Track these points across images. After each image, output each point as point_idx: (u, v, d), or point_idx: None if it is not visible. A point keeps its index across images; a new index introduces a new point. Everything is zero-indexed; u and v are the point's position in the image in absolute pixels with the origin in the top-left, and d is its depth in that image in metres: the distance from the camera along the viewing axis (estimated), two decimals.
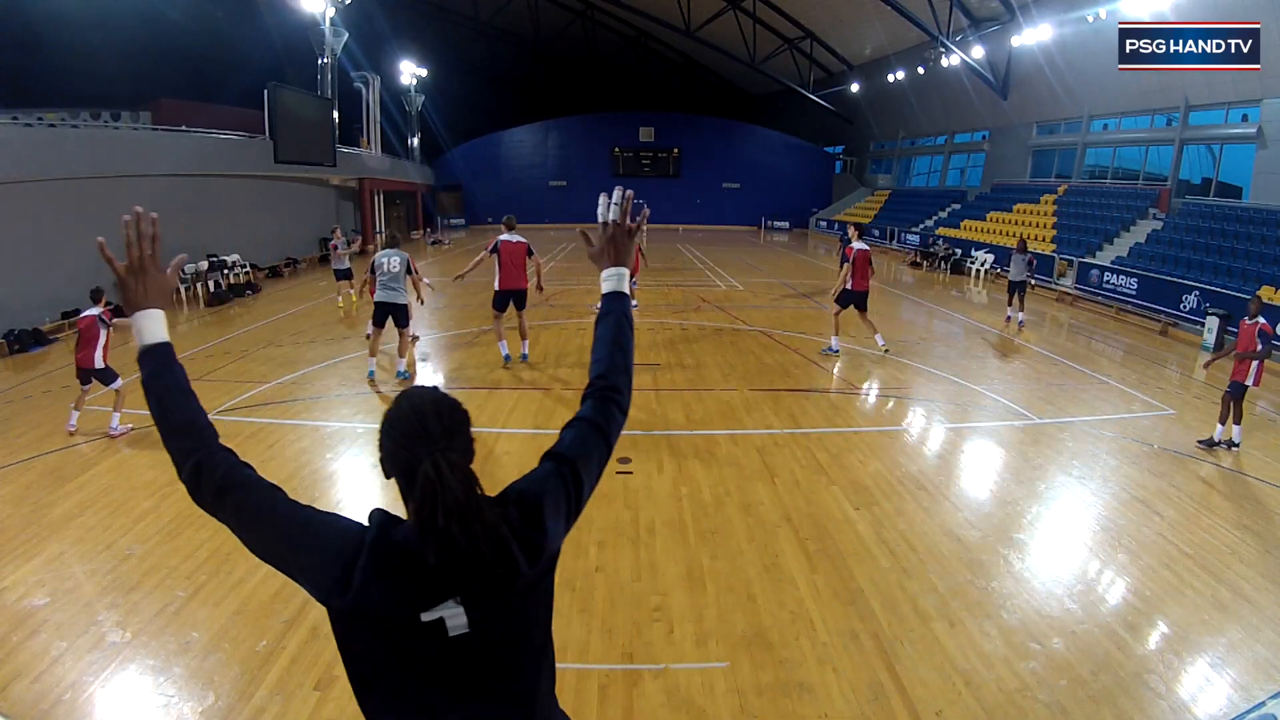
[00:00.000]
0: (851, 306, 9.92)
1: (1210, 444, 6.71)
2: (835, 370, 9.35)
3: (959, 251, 21.28)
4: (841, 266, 10.02)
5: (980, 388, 8.52)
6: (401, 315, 8.14)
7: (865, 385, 8.73)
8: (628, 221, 1.67)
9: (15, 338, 10.22)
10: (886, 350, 9.82)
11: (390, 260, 8.09)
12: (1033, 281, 14.19)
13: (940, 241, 22.74)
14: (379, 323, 8.13)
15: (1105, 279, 15.24)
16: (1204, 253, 14.43)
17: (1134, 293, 14.39)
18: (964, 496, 5.56)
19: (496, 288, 8.66)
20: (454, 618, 1.24)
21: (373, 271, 8.16)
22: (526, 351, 9.07)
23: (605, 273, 1.64)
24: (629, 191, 1.71)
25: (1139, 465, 6.21)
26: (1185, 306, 12.81)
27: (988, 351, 10.61)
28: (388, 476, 1.29)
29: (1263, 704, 3.10)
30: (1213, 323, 11.41)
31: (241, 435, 6.58)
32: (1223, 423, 6.70)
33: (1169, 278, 13.75)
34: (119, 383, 6.70)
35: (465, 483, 1.21)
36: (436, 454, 1.22)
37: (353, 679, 1.36)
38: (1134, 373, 9.66)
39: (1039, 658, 3.54)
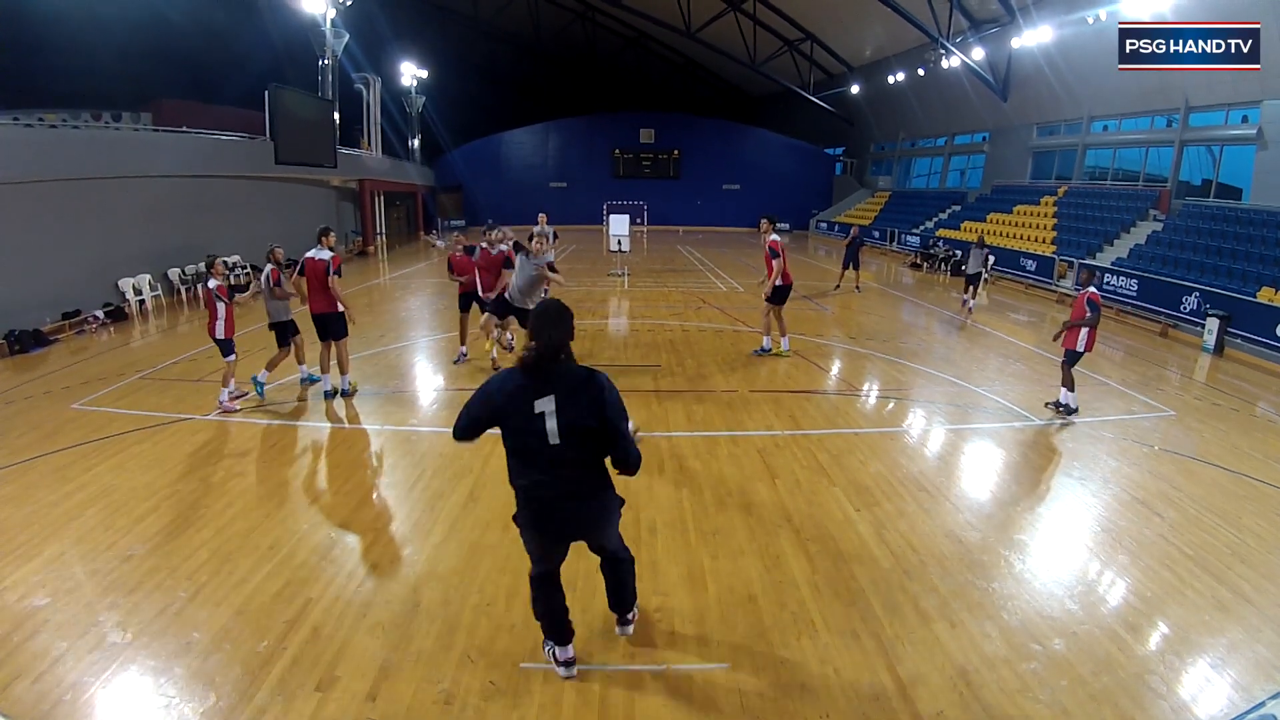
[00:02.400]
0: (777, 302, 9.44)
1: (1058, 406, 7.51)
2: (834, 372, 9.36)
3: (959, 253, 21.25)
4: (773, 262, 9.14)
5: (981, 389, 8.52)
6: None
7: (865, 386, 8.73)
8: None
9: (16, 338, 10.22)
10: (786, 352, 9.75)
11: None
12: (988, 275, 14.84)
13: (940, 243, 22.74)
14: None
15: (1105, 280, 15.24)
16: (1204, 254, 14.44)
17: (1134, 294, 14.40)
18: (965, 497, 5.56)
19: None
20: (550, 411, 2.82)
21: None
22: (347, 386, 7.81)
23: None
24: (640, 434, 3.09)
25: (1139, 466, 6.21)
26: (1185, 308, 12.82)
27: (988, 353, 10.61)
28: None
29: (1263, 704, 3.10)
30: (1213, 324, 11.41)
31: (244, 436, 6.58)
32: (1068, 388, 7.45)
33: (1169, 279, 13.76)
34: (232, 358, 7.26)
35: (552, 344, 2.83)
36: (549, 330, 2.84)
37: (507, 452, 2.98)
38: (1134, 374, 9.67)
39: (1040, 658, 3.55)
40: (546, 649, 3.45)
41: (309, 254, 7.45)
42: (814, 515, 5.10)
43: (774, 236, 9.22)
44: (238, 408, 7.29)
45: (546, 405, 2.80)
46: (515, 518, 3.10)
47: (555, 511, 3.01)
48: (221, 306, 7.13)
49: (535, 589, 3.29)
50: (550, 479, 2.93)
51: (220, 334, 7.17)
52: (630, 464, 2.88)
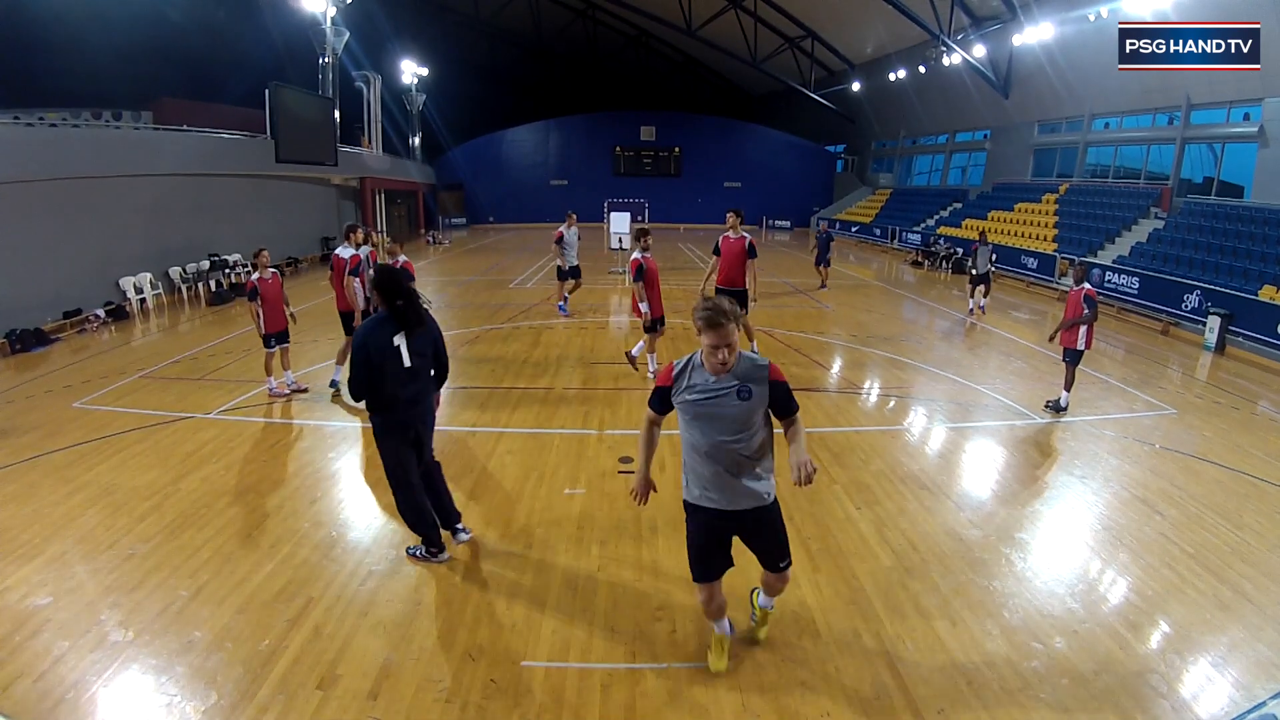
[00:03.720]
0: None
1: (1057, 407, 7.47)
2: (835, 369, 9.35)
3: (960, 251, 21.23)
4: (750, 262, 8.41)
5: (982, 387, 8.51)
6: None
7: (866, 384, 8.73)
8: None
9: (17, 337, 10.23)
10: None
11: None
12: (994, 271, 14.51)
13: (941, 241, 22.72)
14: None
15: (1107, 278, 15.22)
16: (1205, 252, 14.41)
17: (1135, 292, 14.37)
18: (966, 496, 5.55)
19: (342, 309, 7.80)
20: (402, 344, 4.03)
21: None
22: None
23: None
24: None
25: (1141, 465, 6.21)
26: (1186, 306, 12.80)
27: (989, 351, 10.60)
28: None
29: (1264, 704, 3.10)
30: (1214, 322, 11.39)
31: (244, 435, 6.58)
32: (1068, 389, 7.43)
33: (1170, 277, 13.74)
34: (270, 350, 7.61)
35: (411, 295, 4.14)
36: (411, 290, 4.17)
37: (375, 380, 3.98)
38: (1135, 372, 9.66)
39: (1041, 657, 3.55)
40: (418, 551, 4.38)
41: (336, 250, 7.69)
42: (815, 513, 5.10)
43: (743, 231, 8.39)
44: (285, 393, 7.74)
45: (399, 340, 3.99)
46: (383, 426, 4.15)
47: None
48: (251, 304, 7.41)
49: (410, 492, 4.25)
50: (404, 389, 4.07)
51: (261, 330, 7.45)
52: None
